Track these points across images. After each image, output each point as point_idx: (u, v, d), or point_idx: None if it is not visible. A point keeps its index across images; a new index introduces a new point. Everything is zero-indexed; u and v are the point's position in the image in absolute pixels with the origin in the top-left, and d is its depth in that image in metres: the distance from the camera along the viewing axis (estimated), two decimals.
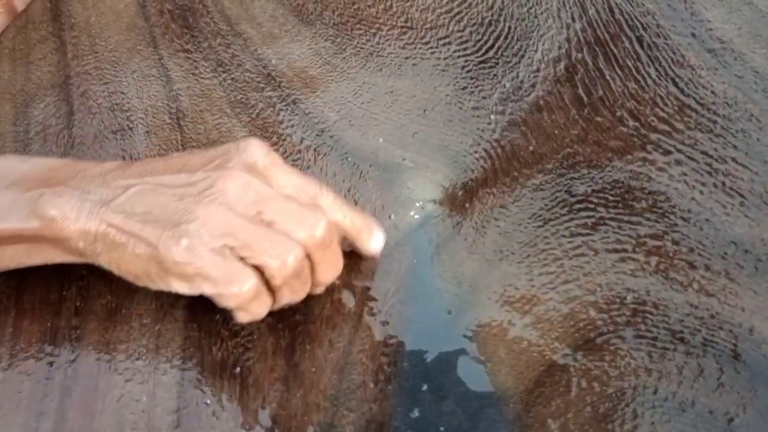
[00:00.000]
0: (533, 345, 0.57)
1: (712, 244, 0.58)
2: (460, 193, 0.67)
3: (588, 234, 0.61)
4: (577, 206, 0.63)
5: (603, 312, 0.57)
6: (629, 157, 0.65)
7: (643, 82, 0.69)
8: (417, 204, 0.68)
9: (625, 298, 0.57)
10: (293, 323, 0.60)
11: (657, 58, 0.70)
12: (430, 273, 0.63)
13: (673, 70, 0.69)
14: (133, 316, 0.63)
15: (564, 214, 0.63)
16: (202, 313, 0.61)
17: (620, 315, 0.56)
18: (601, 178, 0.64)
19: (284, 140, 0.72)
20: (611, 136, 0.67)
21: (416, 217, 0.67)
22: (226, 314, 0.59)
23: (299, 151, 0.72)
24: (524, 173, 0.67)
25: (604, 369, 0.54)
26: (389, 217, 0.66)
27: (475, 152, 0.69)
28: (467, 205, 0.66)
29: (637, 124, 0.67)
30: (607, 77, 0.70)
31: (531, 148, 0.68)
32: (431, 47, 0.76)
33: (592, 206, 0.63)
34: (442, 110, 0.73)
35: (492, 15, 0.77)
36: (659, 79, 0.69)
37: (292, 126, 0.73)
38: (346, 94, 0.75)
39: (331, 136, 0.72)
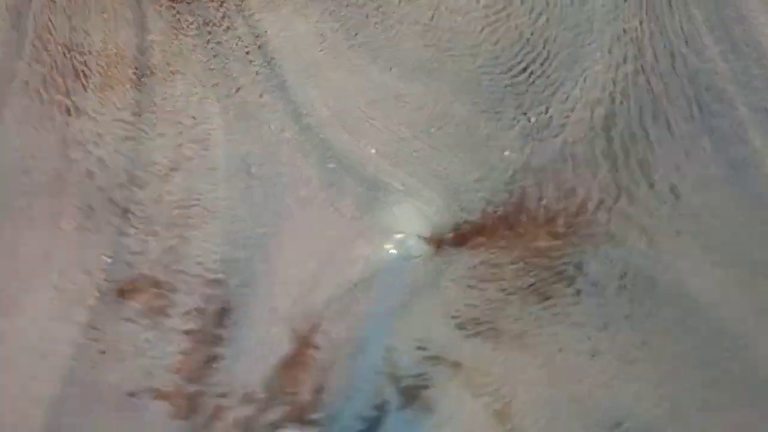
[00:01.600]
0: None
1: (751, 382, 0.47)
2: (450, 235, 0.56)
3: (594, 328, 0.50)
4: (588, 289, 0.52)
5: None
6: (662, 243, 0.53)
7: (693, 154, 0.58)
8: (398, 236, 0.57)
9: (622, 424, 0.46)
10: None
11: (716, 129, 0.59)
12: (389, 327, 0.52)
13: (733, 148, 0.58)
14: None
15: (569, 295, 0.52)
16: None
17: None
18: (622, 261, 0.53)
19: (261, 127, 0.61)
20: (644, 211, 0.55)
21: (393, 252, 0.56)
22: None
23: (276, 143, 0.61)
24: (530, 231, 0.56)
25: None
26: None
27: (478, 190, 0.58)
28: (455, 252, 0.55)
29: (678, 203, 0.55)
30: (652, 138, 0.59)
31: (544, 202, 0.57)
32: (454, 55, 0.64)
33: (605, 293, 0.52)
34: (452, 132, 0.61)
35: (533, 33, 0.65)
36: (714, 153, 0.57)
37: (275, 112, 0.62)
38: (347, 88, 0.63)
39: (317, 135, 0.61)
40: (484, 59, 0.65)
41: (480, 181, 0.59)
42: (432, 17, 0.67)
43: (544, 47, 0.65)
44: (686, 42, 0.63)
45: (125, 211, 0.57)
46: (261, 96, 0.64)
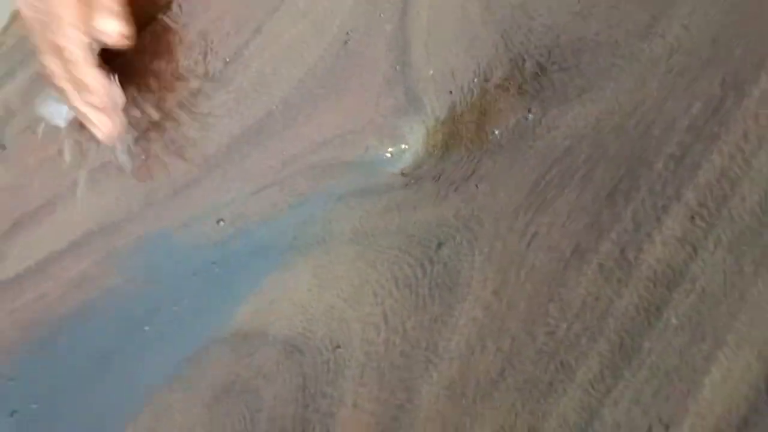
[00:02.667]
0: None
1: None
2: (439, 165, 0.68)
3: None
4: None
5: None
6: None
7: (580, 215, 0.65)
8: (403, 146, 0.71)
9: None
10: None
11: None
12: (342, 253, 0.69)
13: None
14: None
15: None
16: None
17: None
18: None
19: (375, 10, 0.73)
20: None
21: (387, 155, 0.70)
22: None
23: (378, 25, 0.73)
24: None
25: None
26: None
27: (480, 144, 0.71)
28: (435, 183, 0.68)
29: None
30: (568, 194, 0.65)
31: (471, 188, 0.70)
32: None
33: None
34: (476, 84, 0.71)
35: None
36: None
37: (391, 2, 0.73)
38: (452, 25, 0.72)
39: (408, 38, 0.72)
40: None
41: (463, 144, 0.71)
42: None
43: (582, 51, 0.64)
44: None
45: None
46: None
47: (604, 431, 0.53)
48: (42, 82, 0.71)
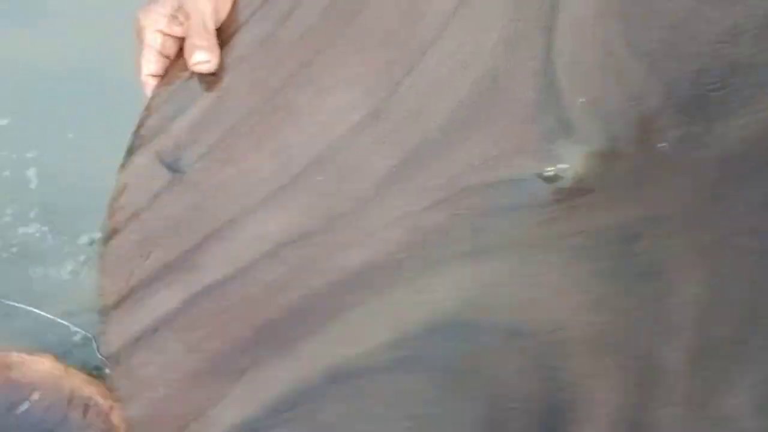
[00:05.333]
0: None
1: None
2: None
3: None
4: None
5: None
6: None
7: None
8: (561, 166, 0.70)
9: None
10: None
11: None
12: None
13: None
14: None
15: None
16: None
17: None
18: None
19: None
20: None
21: (547, 174, 0.71)
22: None
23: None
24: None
25: None
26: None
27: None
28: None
29: None
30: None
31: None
32: None
33: None
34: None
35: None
36: None
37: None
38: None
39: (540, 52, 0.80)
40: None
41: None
42: None
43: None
44: None
45: None
46: None
47: None
48: None
